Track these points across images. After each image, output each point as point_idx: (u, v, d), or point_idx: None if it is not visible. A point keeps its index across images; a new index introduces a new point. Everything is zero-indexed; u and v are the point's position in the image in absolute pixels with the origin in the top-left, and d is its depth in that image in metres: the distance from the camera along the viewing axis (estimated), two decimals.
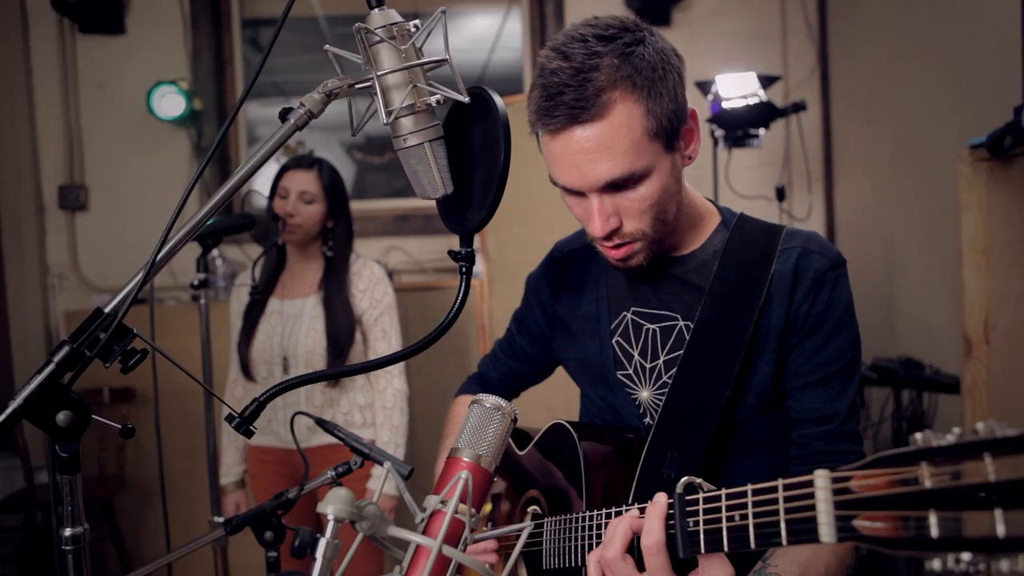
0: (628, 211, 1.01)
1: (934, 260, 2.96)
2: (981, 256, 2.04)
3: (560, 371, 1.35)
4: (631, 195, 1.00)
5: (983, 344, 2.03)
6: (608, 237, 1.03)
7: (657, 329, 1.13)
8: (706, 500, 0.79)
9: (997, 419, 0.50)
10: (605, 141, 0.96)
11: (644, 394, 1.13)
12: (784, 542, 0.69)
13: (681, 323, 1.10)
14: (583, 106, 0.95)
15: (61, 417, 0.75)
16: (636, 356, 1.14)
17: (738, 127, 3.07)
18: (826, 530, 0.64)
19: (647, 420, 1.13)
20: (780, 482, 0.70)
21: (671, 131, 0.99)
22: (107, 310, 0.78)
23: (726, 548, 0.75)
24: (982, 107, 2.57)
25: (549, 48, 0.99)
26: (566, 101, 0.95)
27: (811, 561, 0.95)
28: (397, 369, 2.30)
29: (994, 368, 2.02)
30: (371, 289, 2.29)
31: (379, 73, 0.83)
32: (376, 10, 0.84)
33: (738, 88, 3.05)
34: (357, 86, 0.85)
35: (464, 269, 0.91)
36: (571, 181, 1.00)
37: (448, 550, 0.78)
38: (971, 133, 2.06)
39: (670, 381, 1.08)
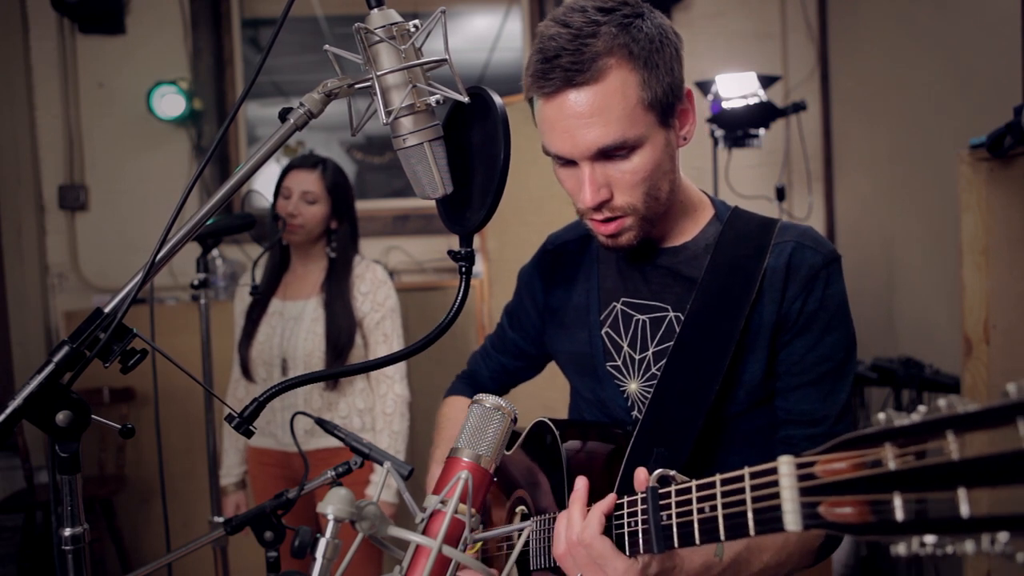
0: (619, 183, 1.00)
1: (934, 260, 2.96)
2: (981, 256, 2.04)
3: (560, 371, 1.35)
4: (623, 166, 0.99)
5: (983, 344, 2.03)
6: (598, 209, 1.01)
7: (647, 320, 1.11)
8: (678, 492, 0.78)
9: None
10: (599, 106, 0.95)
11: (632, 386, 1.12)
12: (752, 532, 0.68)
13: (671, 314, 1.09)
14: (579, 69, 0.94)
15: (61, 417, 0.75)
16: (625, 347, 1.13)
17: (738, 127, 3.06)
18: (791, 518, 0.63)
19: (634, 413, 1.11)
20: (746, 470, 0.69)
21: (666, 105, 0.99)
22: (107, 310, 0.78)
23: (697, 541, 0.74)
24: (982, 107, 2.57)
25: (549, 19, 0.99)
26: (562, 64, 0.94)
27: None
28: (399, 374, 2.26)
29: (994, 368, 2.01)
30: (373, 292, 2.26)
31: (379, 73, 0.83)
32: (376, 10, 0.84)
33: (738, 88, 3.05)
34: (357, 86, 0.85)
35: (464, 269, 0.91)
36: (563, 148, 0.99)
37: (448, 550, 0.78)
38: (971, 133, 2.06)
39: (659, 373, 1.06)
